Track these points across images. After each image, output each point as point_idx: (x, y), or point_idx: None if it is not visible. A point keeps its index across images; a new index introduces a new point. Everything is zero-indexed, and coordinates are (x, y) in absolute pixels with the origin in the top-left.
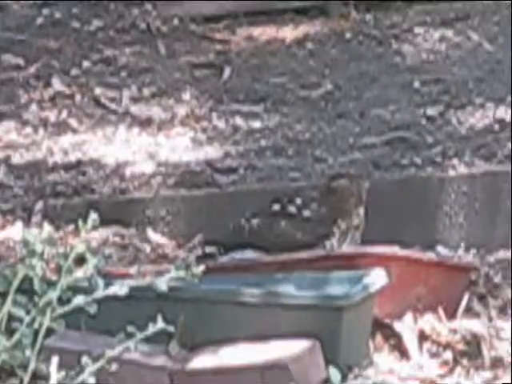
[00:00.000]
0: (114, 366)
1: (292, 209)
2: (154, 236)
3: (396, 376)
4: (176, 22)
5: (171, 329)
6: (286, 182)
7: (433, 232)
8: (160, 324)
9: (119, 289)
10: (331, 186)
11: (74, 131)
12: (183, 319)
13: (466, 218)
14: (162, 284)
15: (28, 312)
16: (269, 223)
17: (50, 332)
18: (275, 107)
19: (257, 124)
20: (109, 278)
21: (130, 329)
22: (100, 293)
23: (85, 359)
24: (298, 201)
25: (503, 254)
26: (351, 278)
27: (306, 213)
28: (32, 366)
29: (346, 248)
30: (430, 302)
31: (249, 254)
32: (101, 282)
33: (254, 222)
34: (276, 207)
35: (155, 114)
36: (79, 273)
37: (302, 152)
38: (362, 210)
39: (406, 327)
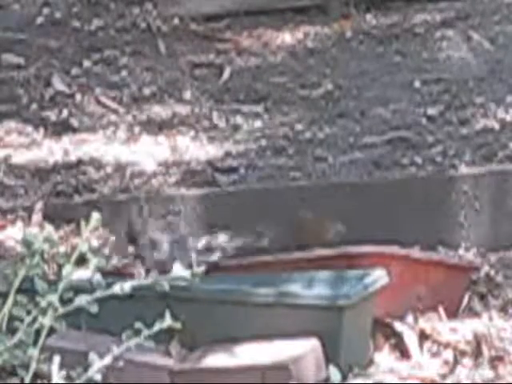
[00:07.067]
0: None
1: None
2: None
3: (396, 375)
4: (176, 21)
5: (177, 326)
6: (286, 181)
7: (433, 232)
8: (167, 322)
9: (121, 288)
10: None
11: (75, 131)
12: (184, 319)
13: (467, 217)
14: (164, 283)
15: (29, 312)
16: None
17: (51, 331)
18: (276, 107)
19: (257, 123)
20: (110, 278)
21: (134, 328)
22: (101, 292)
23: (91, 356)
24: None
25: (504, 253)
26: (351, 278)
27: None
28: (33, 365)
29: (347, 248)
30: (430, 302)
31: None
32: (102, 282)
33: None
34: None
35: (156, 113)
36: (80, 272)
37: (302, 151)
38: None
39: (407, 327)
